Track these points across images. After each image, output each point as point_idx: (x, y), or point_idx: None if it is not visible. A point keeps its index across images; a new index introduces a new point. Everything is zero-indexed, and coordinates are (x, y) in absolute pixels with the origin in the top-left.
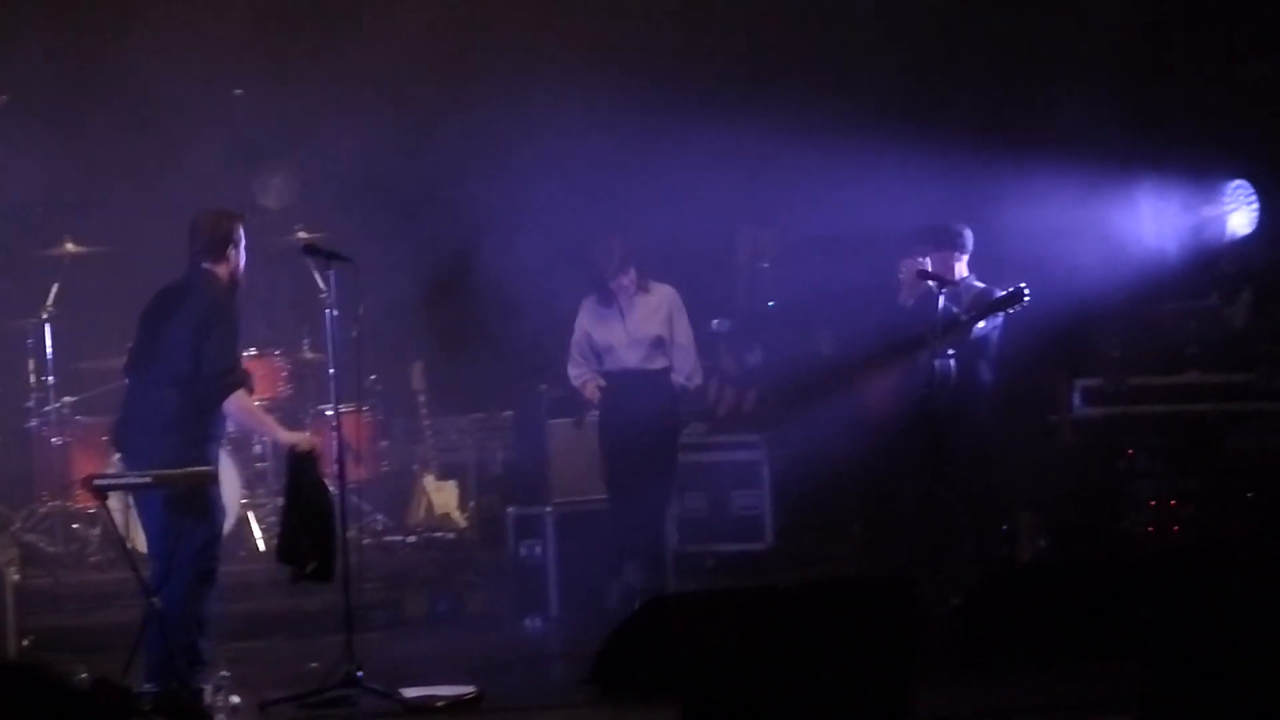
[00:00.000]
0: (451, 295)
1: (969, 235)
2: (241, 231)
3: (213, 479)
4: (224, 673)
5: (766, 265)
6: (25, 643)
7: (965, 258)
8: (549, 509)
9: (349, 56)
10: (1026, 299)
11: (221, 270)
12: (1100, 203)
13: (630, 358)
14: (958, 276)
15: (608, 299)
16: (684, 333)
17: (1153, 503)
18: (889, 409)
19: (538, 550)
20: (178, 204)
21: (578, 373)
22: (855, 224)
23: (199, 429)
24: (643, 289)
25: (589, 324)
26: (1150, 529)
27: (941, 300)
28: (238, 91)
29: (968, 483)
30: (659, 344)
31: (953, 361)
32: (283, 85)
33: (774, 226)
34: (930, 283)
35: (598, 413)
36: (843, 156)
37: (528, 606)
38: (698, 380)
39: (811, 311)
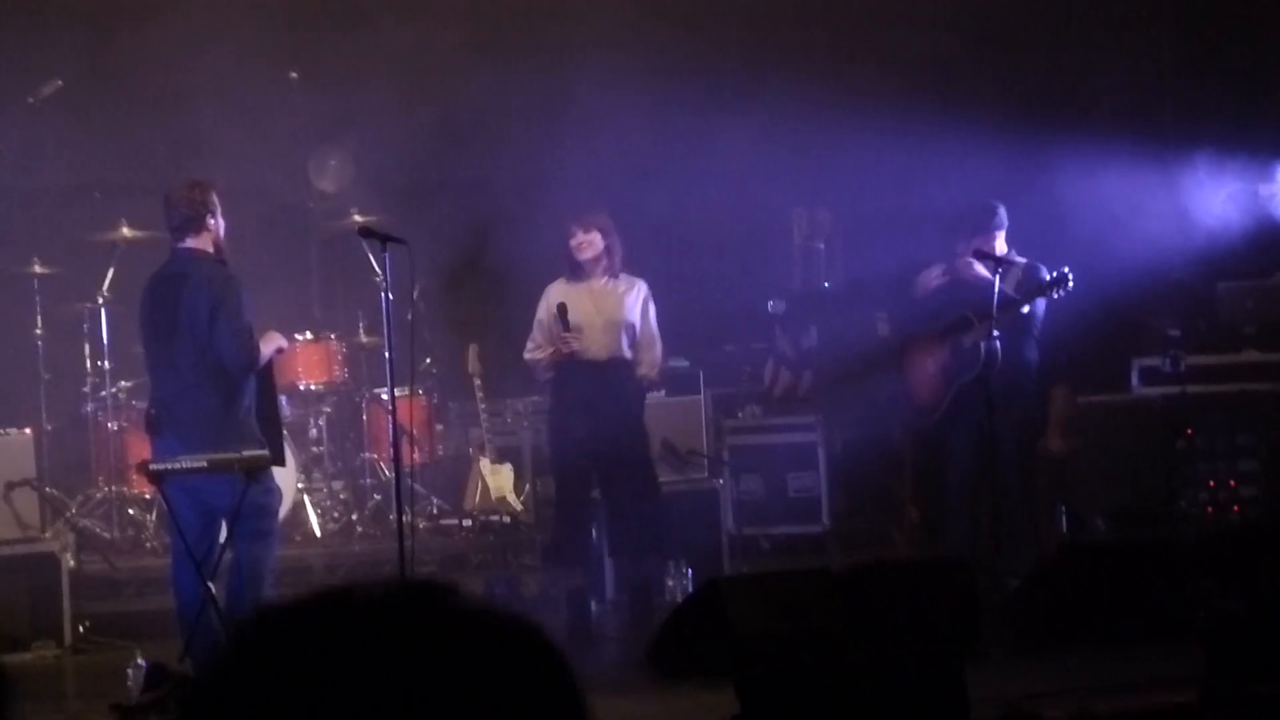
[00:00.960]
0: (505, 278)
1: (1003, 211)
2: (217, 199)
3: (268, 462)
4: None
5: (822, 246)
6: (81, 629)
7: (1002, 234)
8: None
9: (396, 39)
10: (1071, 284)
11: (205, 242)
12: (1156, 180)
13: (600, 343)
14: (999, 254)
15: (577, 276)
16: (652, 325)
17: (1211, 483)
18: (936, 391)
19: (593, 534)
20: (233, 187)
21: (533, 346)
22: (911, 202)
23: (243, 407)
24: (613, 275)
25: (556, 304)
26: (1209, 509)
27: (998, 281)
28: (293, 75)
29: (1018, 464)
30: (630, 332)
31: (998, 343)
32: (335, 69)
33: (829, 207)
34: (981, 265)
35: (551, 399)
36: (897, 135)
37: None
38: (655, 375)
39: (867, 292)
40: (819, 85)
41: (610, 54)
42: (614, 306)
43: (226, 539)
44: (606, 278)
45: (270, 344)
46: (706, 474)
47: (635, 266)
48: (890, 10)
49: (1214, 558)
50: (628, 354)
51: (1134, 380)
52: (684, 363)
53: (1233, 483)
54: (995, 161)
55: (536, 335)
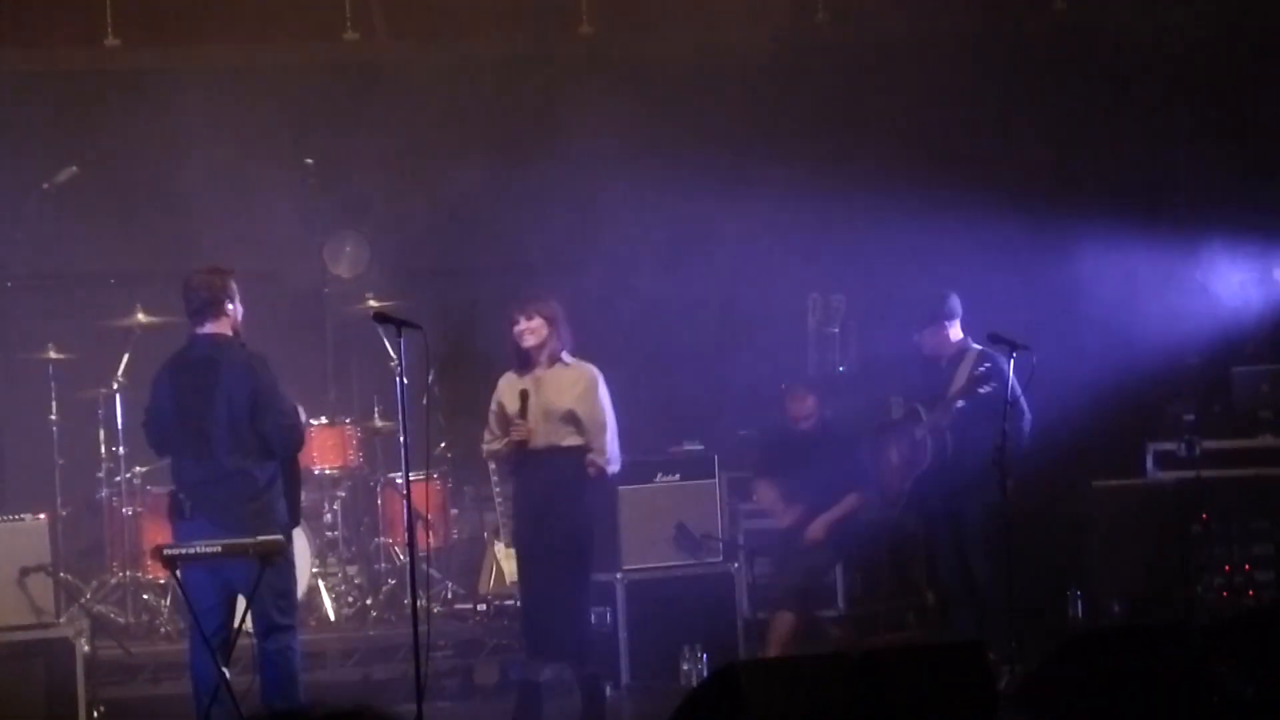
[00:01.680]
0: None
1: (955, 301)
2: (235, 286)
3: (283, 547)
4: None
5: (836, 330)
6: (96, 714)
7: (956, 323)
8: (619, 576)
9: (412, 122)
10: (992, 386)
11: (224, 327)
12: (1171, 264)
13: (542, 432)
14: (953, 341)
15: (524, 365)
16: (605, 413)
17: (1226, 567)
18: (898, 482)
19: (608, 618)
20: (249, 272)
21: (490, 439)
22: (925, 287)
23: (277, 488)
24: (561, 362)
25: (505, 395)
26: (1224, 593)
27: (1011, 366)
28: (308, 160)
29: (985, 551)
30: (571, 419)
31: (948, 434)
32: (350, 155)
33: (843, 292)
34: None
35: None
36: (912, 219)
37: (599, 674)
38: (615, 466)
39: (881, 376)
40: (833, 171)
41: (628, 145)
42: (552, 395)
43: (241, 622)
44: (552, 365)
45: None
46: (721, 558)
47: (650, 349)
48: (907, 96)
49: (1229, 642)
50: (570, 443)
51: (1149, 464)
52: (699, 446)
53: (1248, 567)
54: (1010, 247)
55: (494, 427)
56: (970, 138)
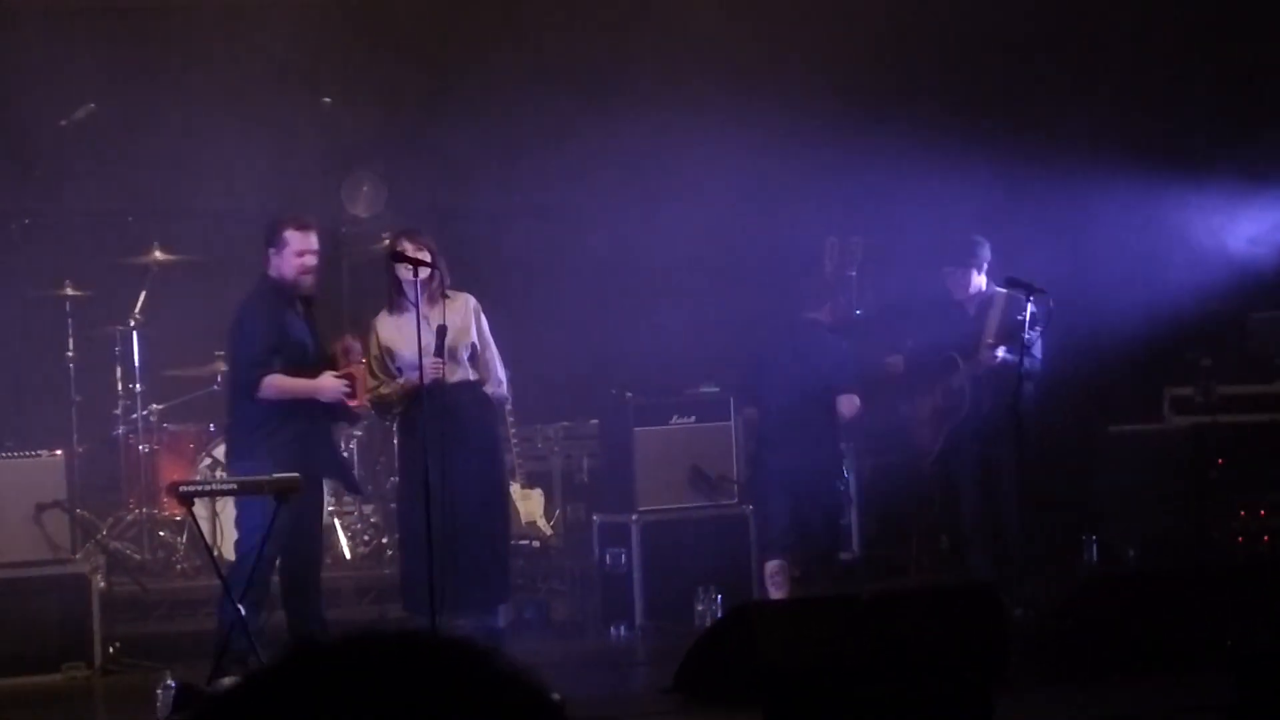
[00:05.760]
0: (532, 305)
1: (986, 249)
2: (286, 235)
3: (298, 484)
4: None
5: (854, 274)
6: (111, 650)
7: (984, 269)
8: (634, 517)
9: (429, 61)
10: (1039, 330)
11: (270, 270)
12: (1188, 211)
13: (449, 368)
14: (975, 289)
15: (401, 303)
16: (487, 338)
17: (1242, 512)
18: (931, 434)
19: (623, 559)
20: (265, 212)
21: (376, 383)
22: (943, 232)
23: (278, 423)
24: (443, 295)
25: (387, 338)
26: (1239, 539)
27: (1030, 307)
28: (326, 100)
29: (1018, 497)
30: (471, 352)
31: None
32: (372, 94)
33: (860, 235)
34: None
35: (402, 435)
36: (932, 164)
37: (612, 614)
38: (504, 391)
39: (898, 320)
40: (853, 113)
41: (649, 86)
42: (455, 328)
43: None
44: (437, 300)
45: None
46: (736, 500)
47: (667, 290)
48: (925, 39)
49: (1244, 588)
50: (472, 375)
51: (1166, 410)
52: (715, 388)
53: (1263, 512)
54: (1029, 191)
55: (378, 372)
56: (988, 82)
